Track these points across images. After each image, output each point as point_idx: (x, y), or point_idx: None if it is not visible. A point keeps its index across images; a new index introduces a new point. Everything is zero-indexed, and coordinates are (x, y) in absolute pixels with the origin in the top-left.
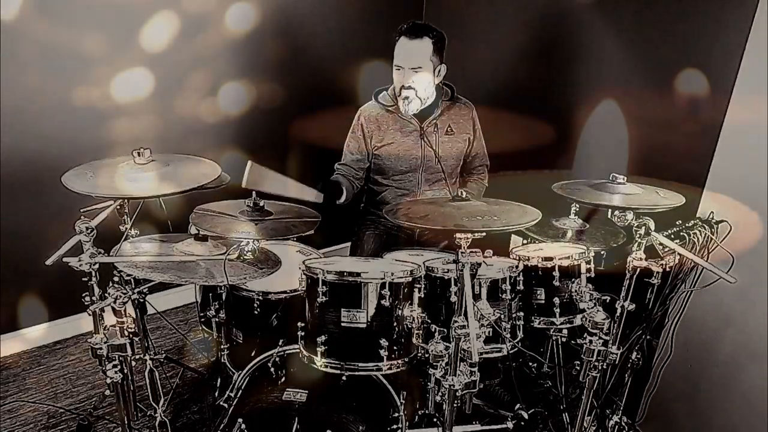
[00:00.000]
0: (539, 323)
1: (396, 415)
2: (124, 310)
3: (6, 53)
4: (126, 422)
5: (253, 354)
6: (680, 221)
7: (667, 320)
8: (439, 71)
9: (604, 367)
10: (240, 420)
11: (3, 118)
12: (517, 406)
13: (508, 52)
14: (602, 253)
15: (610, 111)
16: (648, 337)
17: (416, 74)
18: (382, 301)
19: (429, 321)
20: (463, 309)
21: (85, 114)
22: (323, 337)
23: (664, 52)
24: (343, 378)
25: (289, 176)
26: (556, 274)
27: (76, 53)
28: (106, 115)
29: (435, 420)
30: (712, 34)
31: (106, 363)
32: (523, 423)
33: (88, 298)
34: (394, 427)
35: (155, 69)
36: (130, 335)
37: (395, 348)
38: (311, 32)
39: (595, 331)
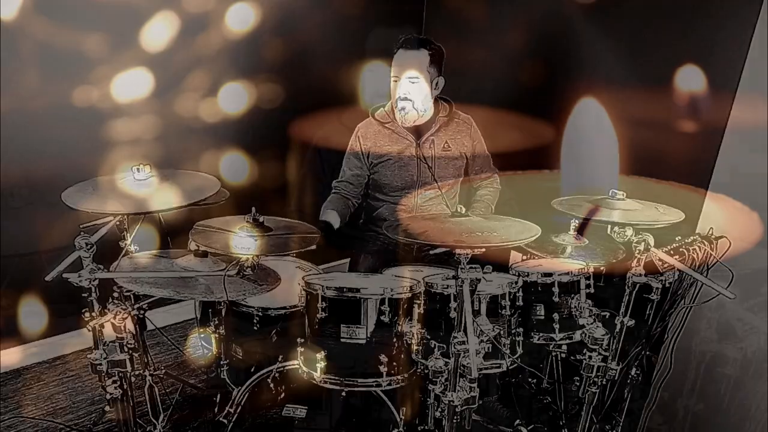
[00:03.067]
0: (539, 339)
1: (396, 431)
2: (124, 326)
3: (6, 53)
4: None
5: (252, 369)
6: (680, 237)
7: (666, 336)
8: (437, 84)
9: (604, 382)
10: None
11: (3, 119)
12: (517, 421)
13: (507, 52)
14: (602, 269)
15: (611, 111)
16: (647, 352)
17: (413, 85)
18: (382, 317)
19: (428, 337)
20: (463, 325)
21: (85, 114)
22: (323, 353)
23: (666, 52)
24: (343, 393)
25: (289, 176)
26: (556, 289)
27: (76, 53)
28: (106, 115)
29: None
30: (715, 33)
31: (106, 379)
32: None
33: (87, 314)
34: None
35: (155, 69)
36: (130, 351)
37: (395, 364)
38: (311, 32)
39: (594, 346)
